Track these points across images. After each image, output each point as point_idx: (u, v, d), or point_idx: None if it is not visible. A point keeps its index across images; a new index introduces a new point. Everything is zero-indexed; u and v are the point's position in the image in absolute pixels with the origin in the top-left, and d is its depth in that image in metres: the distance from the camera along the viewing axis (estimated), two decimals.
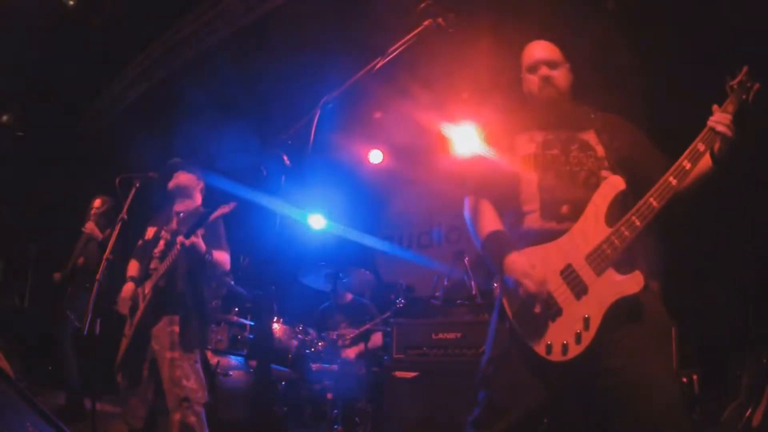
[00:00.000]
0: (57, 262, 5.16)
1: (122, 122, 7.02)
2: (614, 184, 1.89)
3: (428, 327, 3.63)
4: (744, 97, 1.89)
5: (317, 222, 5.94)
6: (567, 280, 1.81)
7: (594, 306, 1.74)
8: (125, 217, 3.20)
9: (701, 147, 1.84)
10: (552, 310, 1.79)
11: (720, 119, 1.84)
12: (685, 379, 3.59)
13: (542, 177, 1.98)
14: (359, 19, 4.84)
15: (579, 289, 1.79)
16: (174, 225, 3.29)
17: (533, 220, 1.96)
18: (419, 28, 1.84)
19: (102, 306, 3.28)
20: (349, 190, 6.60)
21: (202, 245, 3.06)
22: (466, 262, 4.39)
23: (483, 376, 1.92)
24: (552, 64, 2.13)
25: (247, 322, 5.03)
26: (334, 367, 4.36)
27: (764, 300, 3.69)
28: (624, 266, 1.78)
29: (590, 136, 2.05)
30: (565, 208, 1.90)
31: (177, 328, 3.03)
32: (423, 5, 1.83)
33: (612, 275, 1.76)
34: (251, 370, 4.52)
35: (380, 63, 1.85)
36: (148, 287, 3.13)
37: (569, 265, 1.82)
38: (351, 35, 4.85)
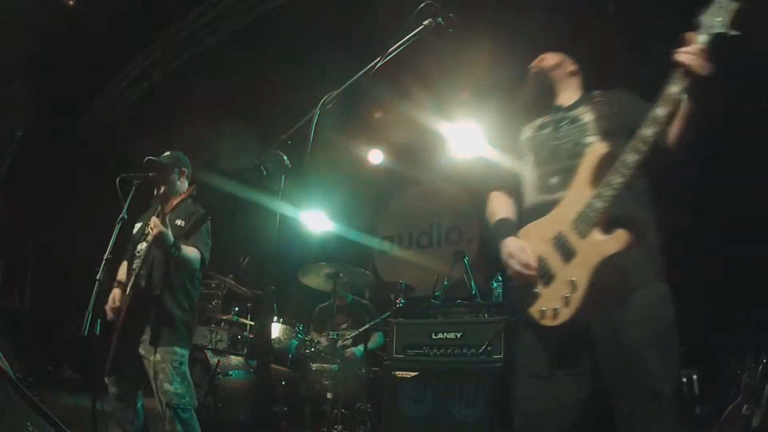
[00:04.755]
0: (57, 261, 5.15)
1: (122, 122, 7.02)
2: (597, 148, 1.88)
3: (428, 327, 3.62)
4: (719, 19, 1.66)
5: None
6: (557, 246, 1.86)
7: (580, 268, 1.77)
8: (125, 217, 3.17)
9: (674, 89, 1.71)
10: (545, 278, 1.85)
11: (686, 50, 1.69)
12: (685, 379, 3.59)
13: (536, 155, 2.08)
14: (359, 19, 4.84)
15: (567, 253, 1.82)
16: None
17: (530, 196, 2.07)
18: (419, 28, 1.84)
19: (101, 307, 3.25)
20: (349, 190, 6.61)
21: (170, 236, 2.90)
22: (466, 262, 4.39)
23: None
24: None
25: (247, 322, 5.03)
26: (334, 367, 4.36)
27: (764, 300, 3.69)
28: (611, 228, 1.77)
29: (582, 111, 2.07)
30: (554, 180, 1.98)
31: (156, 328, 2.94)
32: (423, 5, 1.83)
33: (595, 236, 1.77)
34: (251, 370, 4.52)
35: (380, 63, 1.85)
36: (129, 289, 3.01)
37: (559, 232, 1.86)
38: (351, 35, 4.86)
